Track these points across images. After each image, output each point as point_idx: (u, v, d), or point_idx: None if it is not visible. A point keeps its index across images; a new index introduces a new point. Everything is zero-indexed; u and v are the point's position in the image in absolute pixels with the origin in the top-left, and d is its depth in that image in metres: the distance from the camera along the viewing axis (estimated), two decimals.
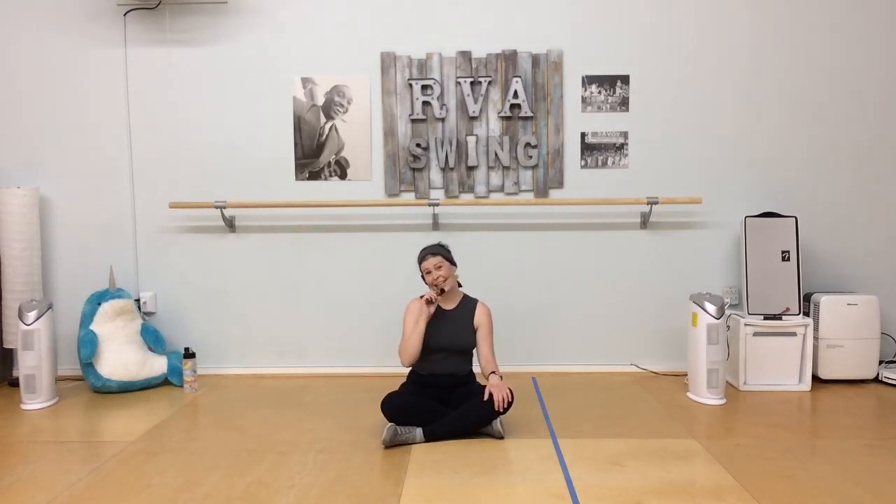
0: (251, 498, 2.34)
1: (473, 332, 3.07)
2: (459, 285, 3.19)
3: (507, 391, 2.87)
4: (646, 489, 2.38)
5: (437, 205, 3.86)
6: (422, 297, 3.00)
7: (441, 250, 3.06)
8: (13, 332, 3.81)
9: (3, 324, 3.85)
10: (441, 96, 3.94)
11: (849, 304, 3.69)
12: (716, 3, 3.91)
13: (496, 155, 3.95)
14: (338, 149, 4.00)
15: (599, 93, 3.95)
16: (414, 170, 3.99)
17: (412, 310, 3.06)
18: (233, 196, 4.04)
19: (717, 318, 3.35)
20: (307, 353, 4.11)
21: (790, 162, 3.97)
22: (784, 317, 3.65)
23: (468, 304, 3.11)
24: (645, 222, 4.00)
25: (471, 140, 3.95)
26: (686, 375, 3.90)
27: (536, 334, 4.08)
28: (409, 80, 3.93)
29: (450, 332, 3.03)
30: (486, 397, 2.86)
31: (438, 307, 3.08)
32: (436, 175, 3.99)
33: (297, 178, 4.02)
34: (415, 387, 3.07)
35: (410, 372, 3.13)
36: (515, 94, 3.91)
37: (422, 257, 3.07)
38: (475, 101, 3.93)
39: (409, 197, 4.01)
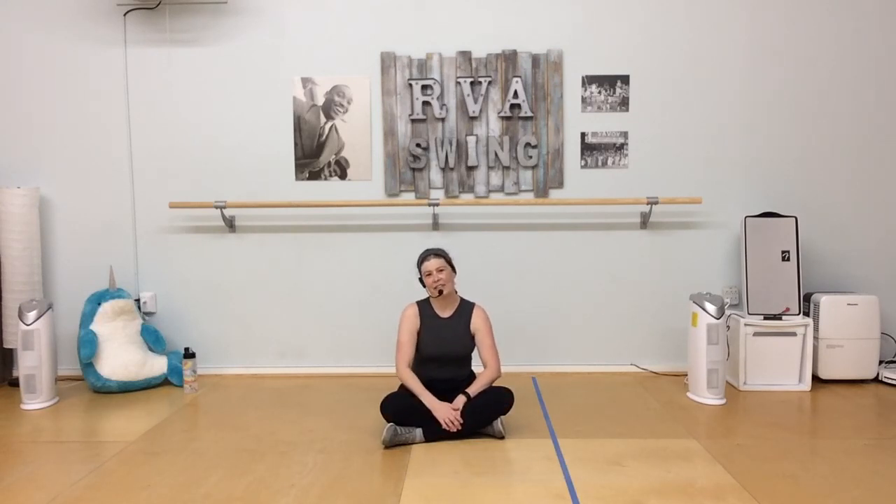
0: (251, 498, 2.34)
1: (471, 337, 3.06)
2: (454, 292, 3.18)
3: (458, 419, 2.83)
4: (646, 489, 2.38)
5: (437, 205, 3.86)
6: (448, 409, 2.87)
7: (444, 253, 3.05)
8: (13, 332, 3.81)
9: (3, 324, 3.85)
10: (441, 96, 3.94)
11: (849, 304, 3.68)
12: (715, 4, 3.91)
13: (496, 155, 3.95)
14: (338, 149, 4.00)
15: (599, 93, 3.95)
16: (414, 170, 3.98)
17: (408, 316, 3.04)
18: (233, 196, 4.04)
19: (717, 318, 3.35)
20: (307, 353, 4.11)
21: (790, 162, 3.97)
22: (784, 317, 3.64)
23: (465, 309, 3.10)
24: (645, 222, 4.00)
25: (471, 140, 3.95)
26: (686, 375, 3.90)
27: (536, 334, 4.07)
28: (409, 80, 3.93)
29: (447, 341, 3.02)
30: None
31: (436, 315, 3.07)
32: (436, 175, 3.99)
33: (297, 178, 4.02)
34: None
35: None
36: (515, 94, 3.91)
37: (423, 258, 3.03)
38: (475, 101, 3.93)
39: (409, 197, 4.01)
